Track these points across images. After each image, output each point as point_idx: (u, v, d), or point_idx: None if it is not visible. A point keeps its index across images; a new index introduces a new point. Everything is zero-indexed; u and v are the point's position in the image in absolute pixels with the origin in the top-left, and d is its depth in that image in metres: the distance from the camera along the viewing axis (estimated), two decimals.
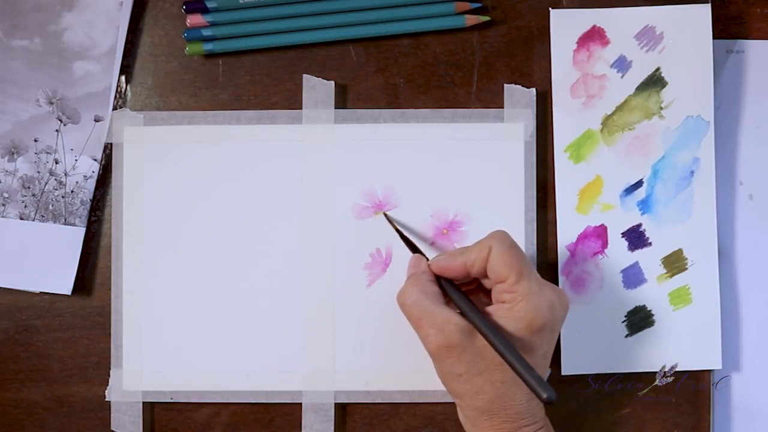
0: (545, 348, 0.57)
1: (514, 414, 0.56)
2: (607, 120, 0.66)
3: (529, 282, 0.56)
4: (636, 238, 0.65)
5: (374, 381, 0.65)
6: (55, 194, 0.65)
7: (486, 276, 0.58)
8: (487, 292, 0.60)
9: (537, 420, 0.56)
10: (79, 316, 0.66)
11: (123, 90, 0.66)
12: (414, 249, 0.62)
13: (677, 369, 0.65)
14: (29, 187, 0.65)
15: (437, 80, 0.66)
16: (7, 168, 0.65)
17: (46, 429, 0.66)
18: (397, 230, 0.63)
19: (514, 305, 0.56)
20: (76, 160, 0.65)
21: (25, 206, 0.65)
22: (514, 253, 0.57)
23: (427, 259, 0.60)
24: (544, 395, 0.51)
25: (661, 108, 0.66)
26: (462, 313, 0.56)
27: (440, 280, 0.59)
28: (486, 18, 0.66)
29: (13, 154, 0.65)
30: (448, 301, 0.58)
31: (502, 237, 0.58)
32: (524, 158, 0.65)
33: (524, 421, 0.56)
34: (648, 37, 0.65)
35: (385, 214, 0.64)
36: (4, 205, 0.65)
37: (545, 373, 0.58)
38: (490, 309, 0.57)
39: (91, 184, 0.65)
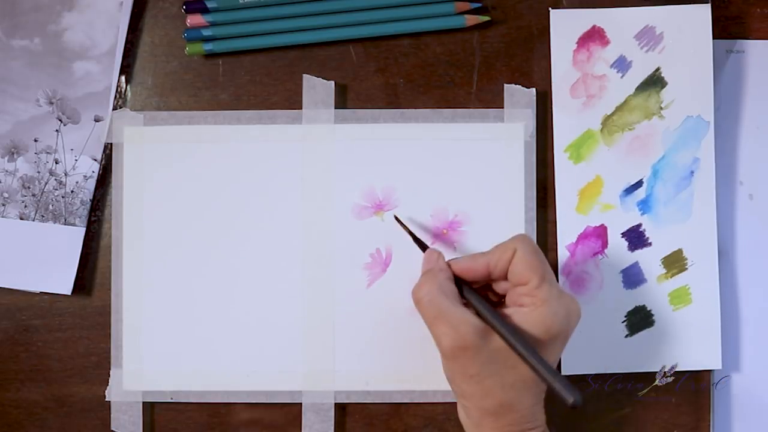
0: (556, 355, 0.57)
1: (519, 417, 0.56)
2: (607, 120, 0.66)
3: (550, 287, 0.56)
4: (636, 238, 0.65)
5: (374, 381, 0.65)
6: (55, 194, 0.65)
7: (505, 278, 0.58)
8: (497, 300, 0.60)
9: (539, 424, 0.57)
10: (79, 316, 0.66)
11: (123, 90, 0.66)
12: (425, 247, 0.62)
13: (677, 369, 0.65)
14: (29, 187, 0.65)
15: (437, 80, 0.66)
16: (7, 168, 0.65)
17: (46, 429, 0.66)
18: (408, 230, 0.63)
19: (534, 309, 0.56)
20: (76, 160, 0.65)
21: (25, 206, 0.65)
22: (538, 257, 0.57)
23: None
24: (571, 399, 0.51)
25: (661, 108, 0.66)
26: (478, 314, 0.56)
27: (457, 281, 0.59)
28: (486, 18, 0.66)
29: (13, 154, 0.65)
30: (464, 301, 0.58)
31: (526, 240, 0.57)
32: (524, 158, 0.65)
33: (528, 425, 0.56)
34: (648, 37, 0.65)
35: (396, 216, 0.64)
36: (4, 205, 0.65)
37: None
38: (506, 311, 0.57)
39: (91, 184, 0.65)
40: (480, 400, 0.56)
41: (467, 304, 0.58)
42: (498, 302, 0.60)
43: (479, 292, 0.60)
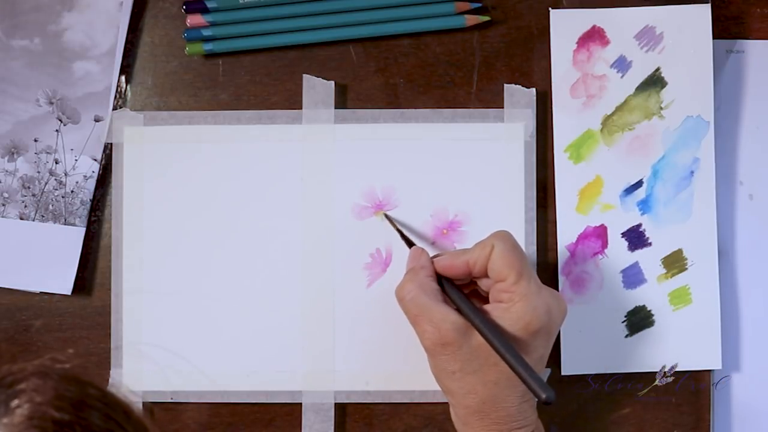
0: (541, 351, 0.57)
1: (506, 416, 0.56)
2: (607, 120, 0.66)
3: (528, 283, 0.56)
4: (636, 238, 0.65)
5: (374, 381, 0.65)
6: (55, 194, 0.65)
7: (486, 275, 0.58)
8: (483, 297, 0.60)
9: (529, 423, 0.57)
10: (79, 316, 0.66)
11: (123, 90, 0.66)
12: (411, 245, 0.62)
13: (677, 369, 0.65)
14: (29, 187, 0.65)
15: (437, 80, 0.66)
16: (7, 168, 0.65)
17: None
18: (397, 229, 0.63)
19: (512, 305, 0.56)
20: (76, 160, 0.65)
21: (25, 206, 0.65)
22: (516, 253, 0.57)
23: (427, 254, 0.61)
24: (543, 395, 0.51)
25: (661, 108, 0.66)
26: (459, 311, 0.56)
27: (440, 278, 0.59)
28: (486, 18, 0.66)
29: (13, 154, 0.65)
30: (446, 298, 0.58)
31: (504, 236, 0.58)
32: (524, 158, 0.65)
33: (515, 423, 0.56)
34: (648, 37, 0.65)
35: (386, 215, 0.64)
36: (4, 205, 0.65)
37: (542, 375, 0.58)
38: (487, 308, 0.57)
39: (91, 184, 0.65)
40: (463, 397, 0.56)
41: (452, 301, 0.58)
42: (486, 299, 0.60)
43: (465, 289, 0.60)
